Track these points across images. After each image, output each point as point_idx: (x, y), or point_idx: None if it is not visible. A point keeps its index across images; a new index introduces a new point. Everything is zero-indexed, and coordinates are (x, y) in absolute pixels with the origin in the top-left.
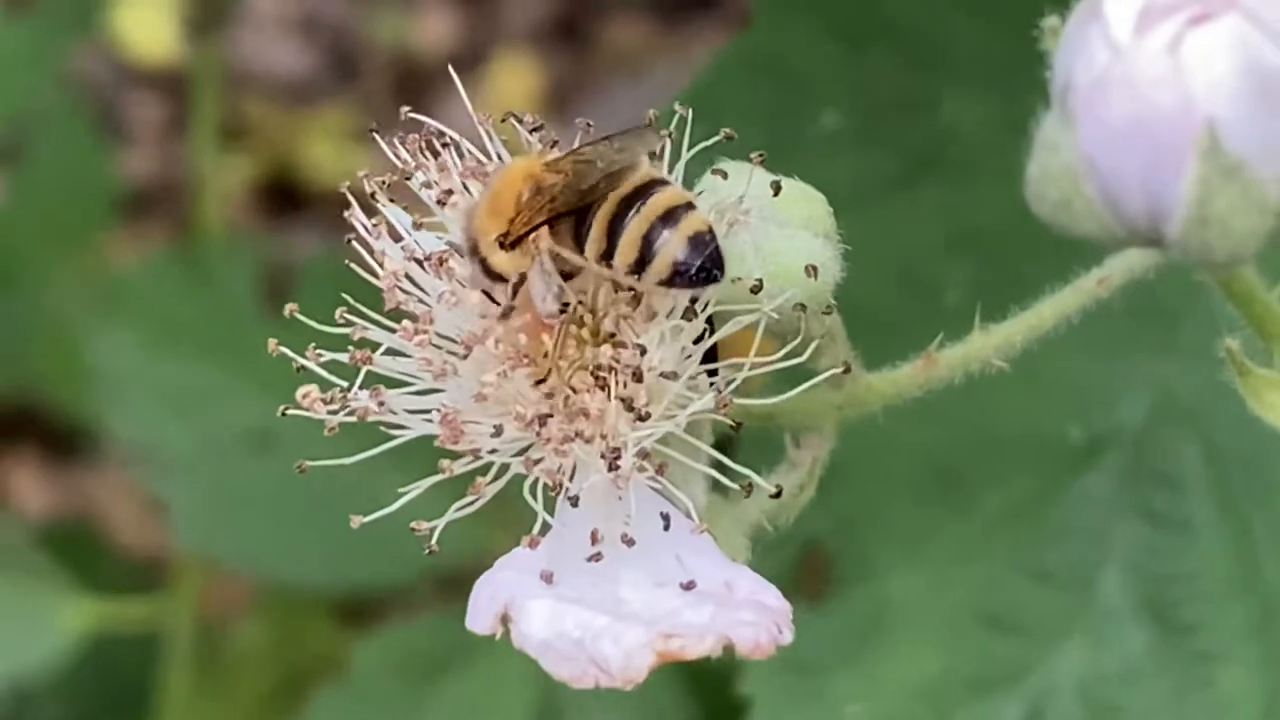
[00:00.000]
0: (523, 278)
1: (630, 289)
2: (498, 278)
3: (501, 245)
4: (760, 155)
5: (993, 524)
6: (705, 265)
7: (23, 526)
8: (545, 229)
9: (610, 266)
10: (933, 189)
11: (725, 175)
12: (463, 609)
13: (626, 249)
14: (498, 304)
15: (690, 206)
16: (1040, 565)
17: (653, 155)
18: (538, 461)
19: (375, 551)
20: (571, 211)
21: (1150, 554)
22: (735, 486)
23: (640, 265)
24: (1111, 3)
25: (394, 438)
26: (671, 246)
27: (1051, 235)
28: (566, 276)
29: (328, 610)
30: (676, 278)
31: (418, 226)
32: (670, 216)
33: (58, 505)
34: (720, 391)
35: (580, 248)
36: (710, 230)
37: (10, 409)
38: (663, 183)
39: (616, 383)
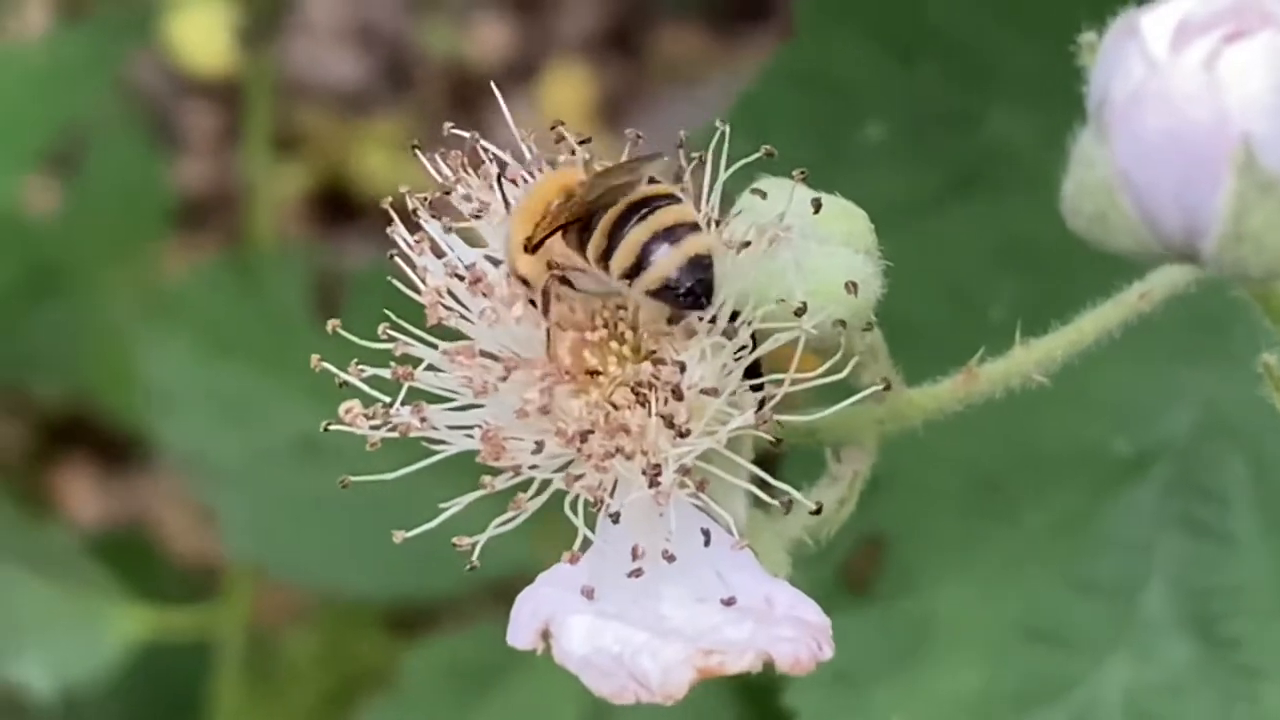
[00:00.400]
0: (550, 286)
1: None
2: (523, 282)
3: (526, 249)
4: (801, 172)
5: (1038, 537)
6: (695, 289)
7: (76, 535)
8: (559, 234)
9: (607, 269)
10: (979, 203)
11: (765, 194)
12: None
13: (624, 254)
14: (533, 304)
15: (696, 227)
16: (1085, 578)
17: (679, 173)
18: (579, 477)
19: (425, 561)
20: (583, 220)
21: (1195, 567)
22: (775, 502)
23: (635, 271)
24: (1148, 19)
25: (436, 452)
26: (668, 261)
27: (1097, 250)
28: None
29: (378, 619)
30: (664, 292)
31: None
32: (673, 233)
33: (111, 514)
34: (760, 408)
35: (583, 251)
36: (710, 255)
37: (64, 417)
38: (674, 199)
39: (657, 399)
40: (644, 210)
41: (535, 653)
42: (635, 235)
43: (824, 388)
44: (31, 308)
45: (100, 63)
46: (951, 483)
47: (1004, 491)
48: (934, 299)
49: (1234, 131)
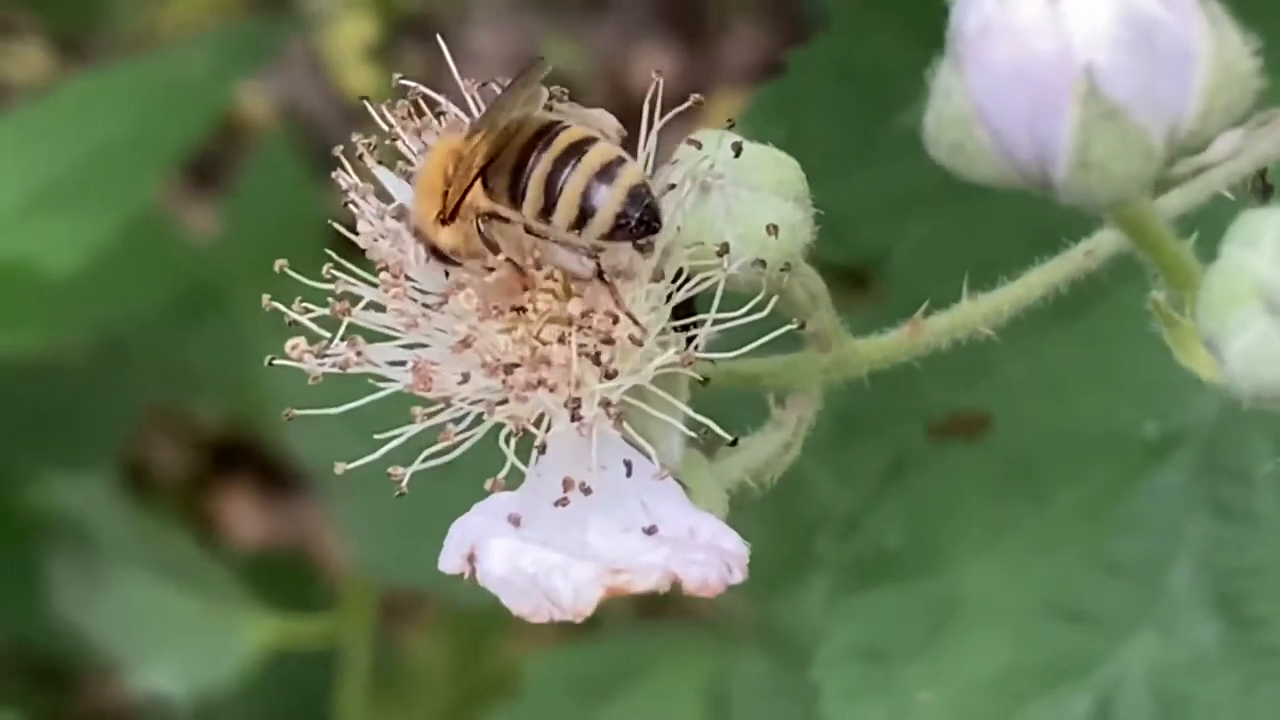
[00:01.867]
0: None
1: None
2: (447, 257)
3: (442, 222)
4: (730, 121)
5: (1067, 518)
6: (644, 217)
7: (234, 554)
8: (479, 190)
9: (549, 222)
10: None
11: (699, 145)
12: (637, 628)
13: (566, 207)
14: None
15: (622, 160)
16: (1113, 558)
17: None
18: (502, 405)
19: None
20: (500, 168)
21: (1220, 547)
22: (695, 436)
23: (581, 221)
24: None
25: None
26: (611, 201)
27: None
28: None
29: (503, 628)
30: (618, 231)
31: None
32: (606, 172)
33: (272, 535)
34: (685, 348)
35: (516, 205)
36: (645, 183)
37: (226, 440)
38: (591, 139)
39: (584, 337)
40: (571, 160)
41: (463, 577)
42: (572, 186)
43: (773, 335)
44: (192, 329)
45: (233, 74)
46: (984, 464)
47: (1035, 473)
48: (960, 270)
49: (1077, 62)
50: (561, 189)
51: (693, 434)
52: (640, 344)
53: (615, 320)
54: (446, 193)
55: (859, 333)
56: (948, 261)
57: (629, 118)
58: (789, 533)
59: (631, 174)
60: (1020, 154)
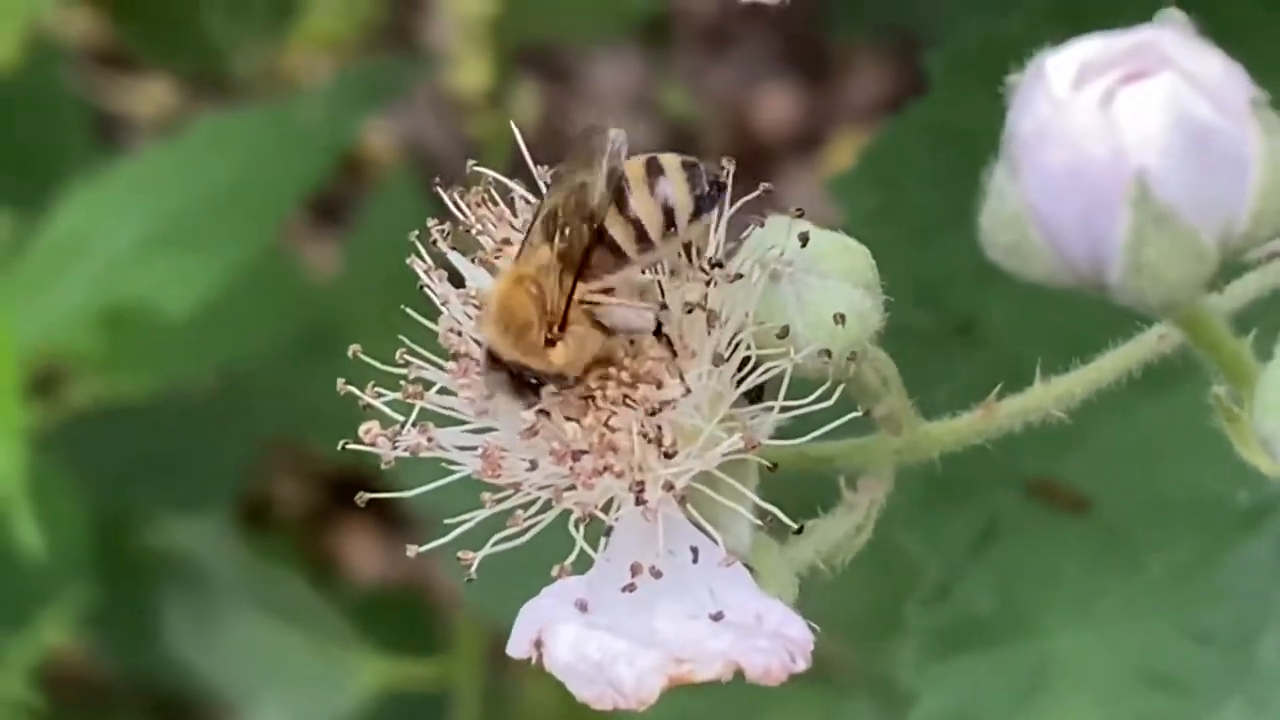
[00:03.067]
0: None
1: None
2: (561, 377)
3: (550, 342)
4: (799, 210)
5: (1158, 585)
6: (710, 180)
7: (351, 591)
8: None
9: (651, 248)
10: None
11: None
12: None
13: (649, 218)
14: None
15: (655, 158)
16: (1203, 627)
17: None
18: (570, 490)
19: None
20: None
21: None
22: (760, 525)
23: (669, 222)
24: (1054, 60)
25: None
26: (677, 185)
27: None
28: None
29: None
30: (703, 202)
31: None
32: (653, 170)
33: (390, 571)
34: (746, 433)
35: (607, 269)
36: (687, 158)
37: (346, 477)
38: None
39: (639, 419)
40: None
41: (530, 662)
42: (641, 201)
43: (847, 420)
44: (311, 366)
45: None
46: (1074, 531)
47: (1126, 540)
48: (1051, 345)
49: (1130, 167)
50: (635, 214)
51: (759, 521)
52: (691, 412)
53: (661, 384)
54: (547, 310)
55: (958, 395)
56: (1038, 325)
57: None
58: (890, 583)
59: (670, 158)
60: (1075, 255)
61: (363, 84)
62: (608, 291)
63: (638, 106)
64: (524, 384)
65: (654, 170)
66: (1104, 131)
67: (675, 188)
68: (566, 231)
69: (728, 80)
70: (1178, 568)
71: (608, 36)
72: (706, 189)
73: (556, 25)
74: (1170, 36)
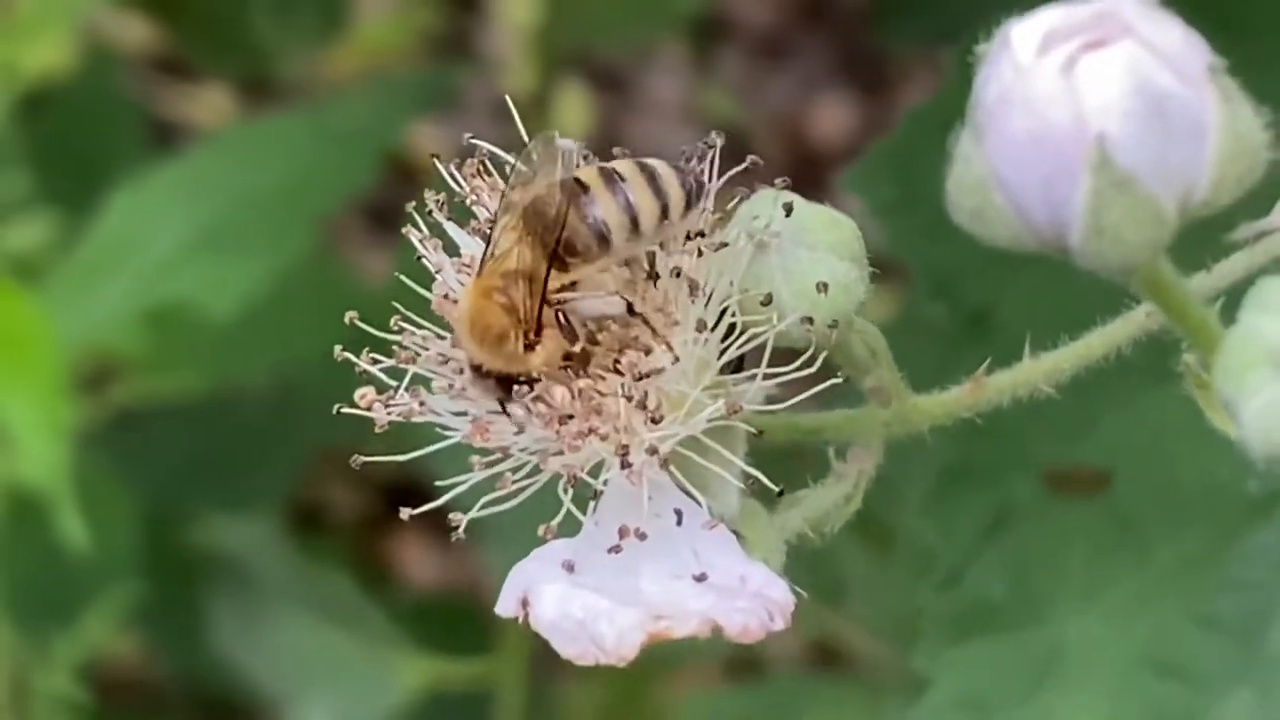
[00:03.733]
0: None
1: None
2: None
3: (529, 346)
4: (784, 180)
5: (1167, 574)
6: (697, 174)
7: (405, 597)
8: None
9: (640, 234)
10: None
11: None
12: (792, 677)
13: (648, 209)
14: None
15: (611, 167)
16: (1212, 615)
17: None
18: (557, 455)
19: None
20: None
21: None
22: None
23: (665, 211)
24: (1018, 28)
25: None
26: (669, 178)
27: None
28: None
29: (658, 672)
30: (690, 199)
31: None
32: (610, 177)
33: (444, 577)
34: (730, 398)
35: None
36: (645, 163)
37: (400, 483)
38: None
39: (626, 384)
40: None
41: (517, 620)
42: (638, 192)
43: (835, 390)
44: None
45: (397, 121)
46: (1086, 518)
47: (1137, 528)
48: (1066, 328)
49: (1090, 132)
50: (634, 204)
51: (743, 485)
52: (678, 378)
53: (648, 351)
54: (520, 319)
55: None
56: (1051, 314)
57: (806, 169)
58: None
59: (659, 162)
60: (1037, 219)
61: (408, 89)
62: (576, 285)
63: (691, 117)
64: (512, 382)
65: (611, 177)
66: (1065, 97)
67: (637, 194)
68: (529, 240)
69: (784, 91)
70: (1187, 557)
71: (651, 41)
72: (692, 179)
73: (601, 30)
74: (1131, 6)
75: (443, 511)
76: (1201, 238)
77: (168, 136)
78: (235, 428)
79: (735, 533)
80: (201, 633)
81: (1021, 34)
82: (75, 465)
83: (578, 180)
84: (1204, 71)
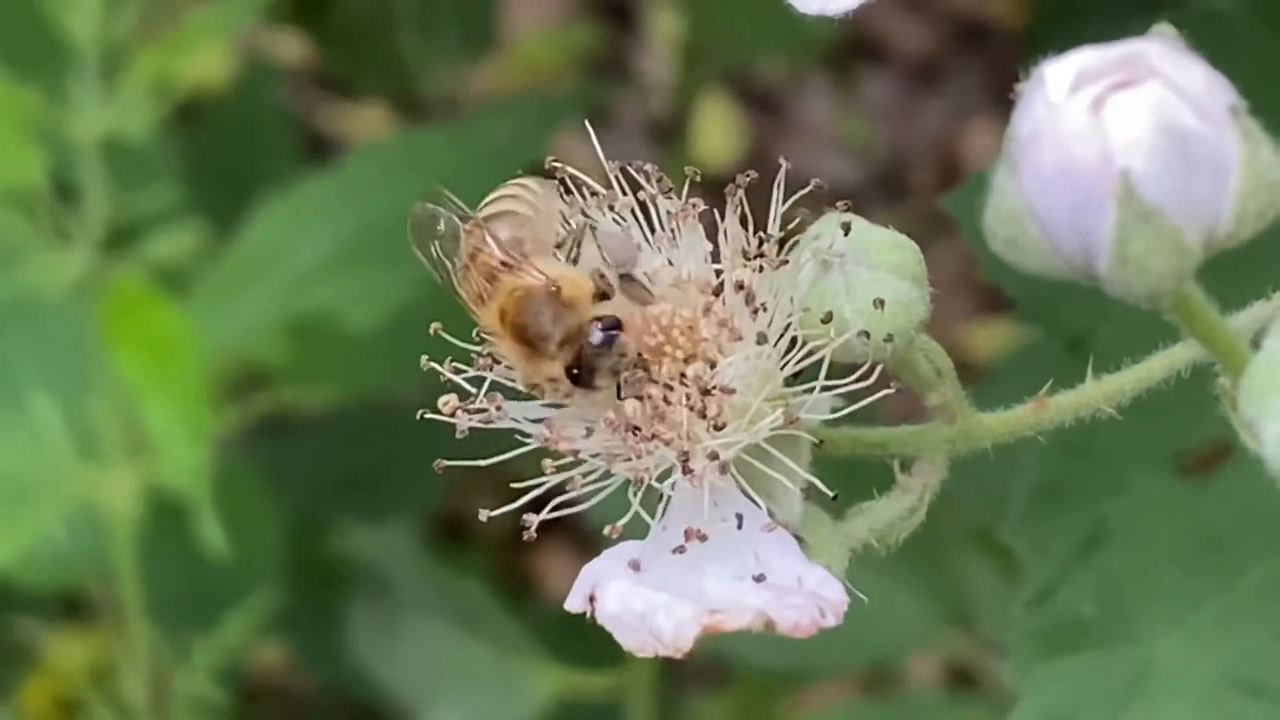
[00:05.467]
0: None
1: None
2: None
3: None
4: (846, 203)
5: (1256, 594)
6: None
7: (548, 610)
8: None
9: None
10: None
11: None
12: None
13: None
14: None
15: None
16: None
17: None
18: (625, 460)
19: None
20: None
21: None
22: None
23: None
24: (1052, 68)
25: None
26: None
27: None
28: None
29: (787, 689)
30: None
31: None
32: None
33: None
34: (787, 409)
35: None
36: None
37: (545, 499)
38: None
39: (689, 394)
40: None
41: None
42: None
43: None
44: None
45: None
46: (1178, 540)
47: (1225, 549)
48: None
49: (1116, 167)
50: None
51: (805, 493)
52: (732, 393)
53: (713, 364)
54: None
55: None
56: (1140, 343)
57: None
58: None
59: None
60: (1067, 248)
61: (554, 105)
62: None
63: (843, 142)
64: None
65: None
66: (1093, 134)
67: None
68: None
69: (937, 116)
70: (1276, 578)
71: (798, 64)
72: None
73: (736, 50)
74: (1158, 49)
75: (584, 528)
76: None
77: (327, 152)
78: (384, 438)
79: (797, 538)
80: (342, 640)
81: (1055, 73)
82: (220, 472)
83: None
84: (1226, 111)
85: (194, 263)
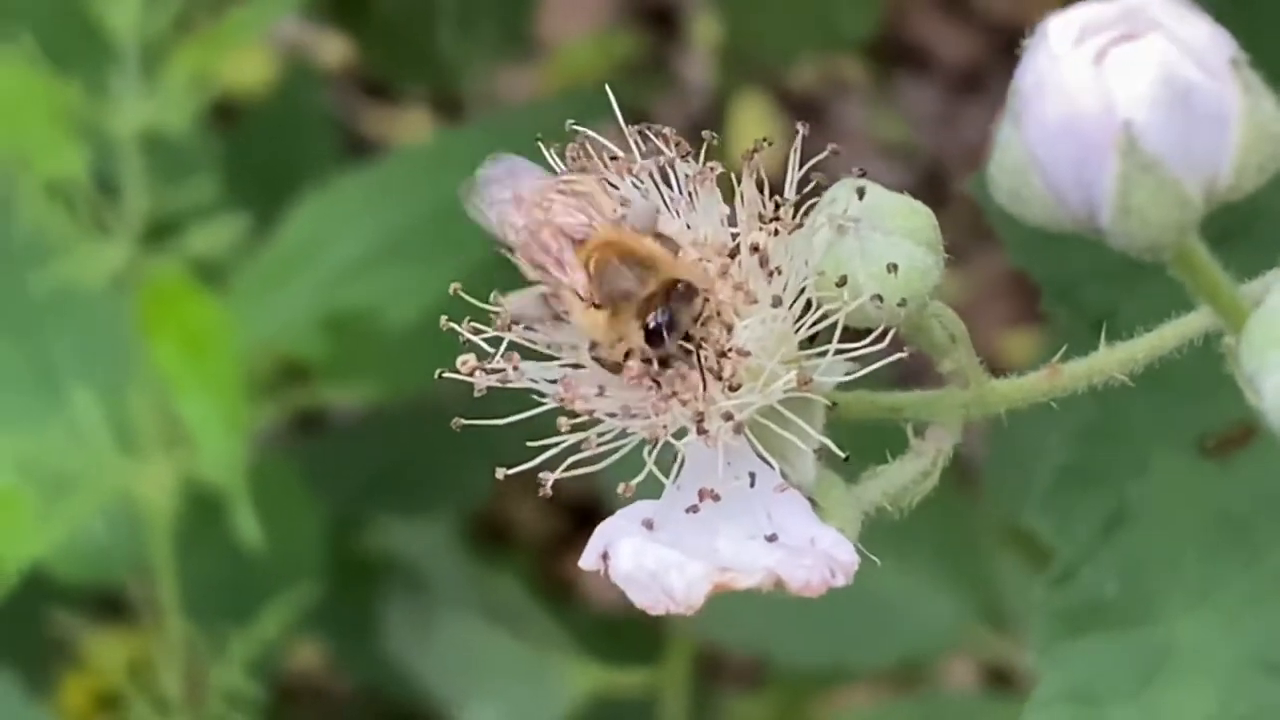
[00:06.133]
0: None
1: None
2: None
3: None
4: (861, 170)
5: (1278, 576)
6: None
7: (588, 613)
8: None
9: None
10: (1240, 251)
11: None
12: (952, 691)
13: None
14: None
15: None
16: None
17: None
18: (640, 417)
19: (857, 634)
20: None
21: None
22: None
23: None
24: (1056, 21)
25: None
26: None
27: None
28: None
29: (822, 687)
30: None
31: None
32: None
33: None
34: (801, 371)
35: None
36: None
37: (585, 503)
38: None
39: (704, 355)
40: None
41: (600, 574)
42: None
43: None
44: None
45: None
46: (1200, 521)
47: (1248, 531)
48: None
49: (1118, 119)
50: None
51: (818, 455)
52: (746, 355)
53: (729, 328)
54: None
55: None
56: (1164, 321)
57: None
58: None
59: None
60: (1070, 200)
61: (593, 103)
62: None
63: (885, 148)
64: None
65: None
66: (1096, 86)
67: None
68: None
69: (978, 123)
70: None
71: (834, 67)
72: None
73: (772, 50)
74: (1161, 3)
75: None
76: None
77: (369, 156)
78: (422, 436)
79: (810, 500)
80: (378, 636)
81: (1058, 27)
82: (257, 467)
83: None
84: (1227, 64)
85: (233, 258)
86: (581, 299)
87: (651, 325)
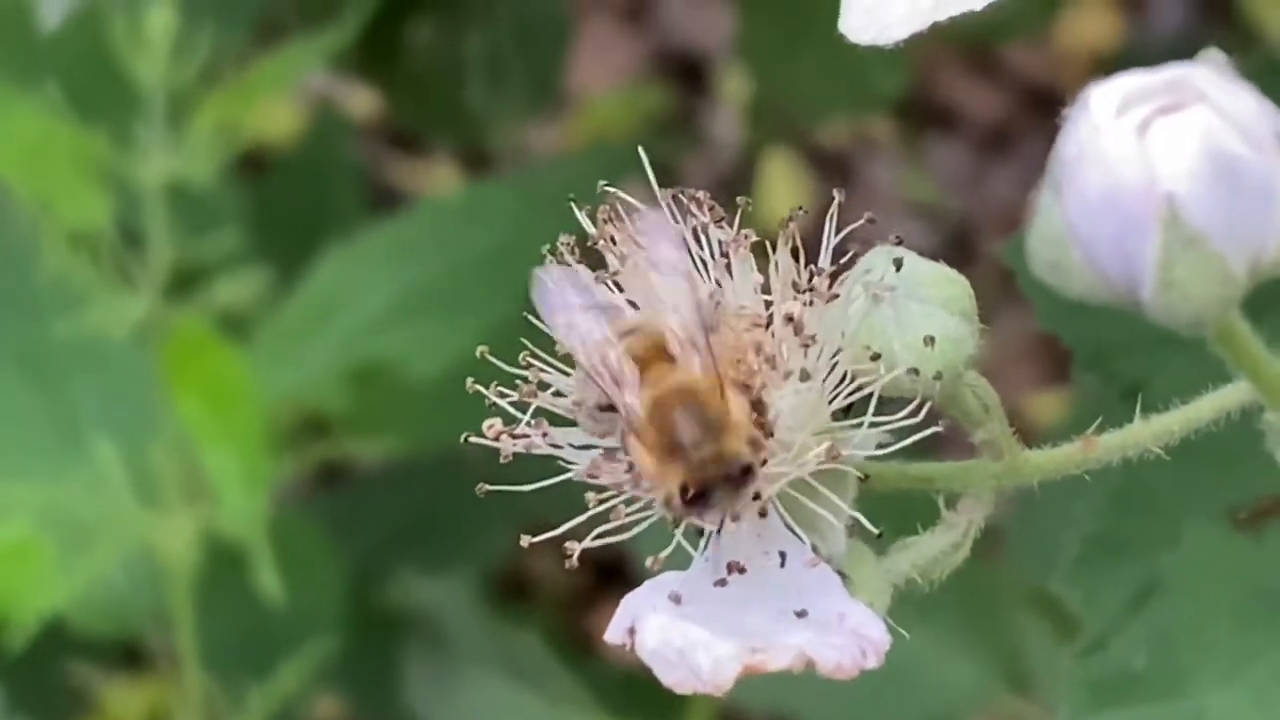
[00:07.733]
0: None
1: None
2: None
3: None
4: (898, 238)
5: None
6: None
7: (609, 669)
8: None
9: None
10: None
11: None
12: None
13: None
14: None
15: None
16: None
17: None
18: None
19: (880, 692)
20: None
21: None
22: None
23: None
24: (1098, 90)
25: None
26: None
27: None
28: None
29: None
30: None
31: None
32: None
33: None
34: (832, 444)
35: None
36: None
37: (607, 560)
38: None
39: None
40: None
41: (626, 649)
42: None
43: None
44: None
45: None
46: (1232, 595)
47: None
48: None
49: (1160, 191)
50: None
51: (849, 529)
52: (788, 424)
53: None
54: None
55: None
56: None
57: None
58: None
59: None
60: (1111, 273)
61: (620, 158)
62: None
63: (913, 207)
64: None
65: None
66: (1138, 157)
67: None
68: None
69: (1006, 183)
70: None
71: (863, 124)
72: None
73: (802, 108)
74: (1206, 73)
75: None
76: None
77: (395, 208)
78: (445, 490)
79: (840, 574)
80: (399, 691)
81: (1100, 96)
82: (279, 520)
83: None
84: (1273, 138)
85: (257, 310)
86: (633, 428)
87: (693, 494)
